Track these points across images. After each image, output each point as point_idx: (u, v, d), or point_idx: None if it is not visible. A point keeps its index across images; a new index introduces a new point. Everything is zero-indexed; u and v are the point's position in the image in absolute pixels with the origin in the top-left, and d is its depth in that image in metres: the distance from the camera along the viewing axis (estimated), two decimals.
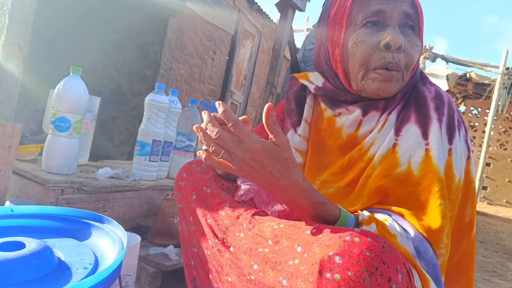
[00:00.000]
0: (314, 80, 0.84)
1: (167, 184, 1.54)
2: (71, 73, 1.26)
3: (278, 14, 3.17)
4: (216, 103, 0.58)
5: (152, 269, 1.14)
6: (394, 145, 0.69)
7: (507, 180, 8.27)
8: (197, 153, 0.59)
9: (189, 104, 1.72)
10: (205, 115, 0.58)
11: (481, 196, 8.14)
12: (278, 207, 0.72)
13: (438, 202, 0.62)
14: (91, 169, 1.47)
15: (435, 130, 0.68)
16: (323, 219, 0.59)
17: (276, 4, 3.02)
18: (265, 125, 0.55)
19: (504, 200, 8.24)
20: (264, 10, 5.27)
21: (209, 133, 0.56)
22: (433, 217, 0.61)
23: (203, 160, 0.57)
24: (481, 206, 7.19)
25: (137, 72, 3.65)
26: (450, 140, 0.69)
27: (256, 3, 5.01)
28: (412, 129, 0.69)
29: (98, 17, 3.51)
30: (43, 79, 2.24)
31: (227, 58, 4.90)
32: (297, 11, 3.12)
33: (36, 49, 2.89)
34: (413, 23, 0.72)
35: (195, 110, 1.73)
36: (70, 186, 1.19)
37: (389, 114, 0.73)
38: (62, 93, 1.23)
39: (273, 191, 0.58)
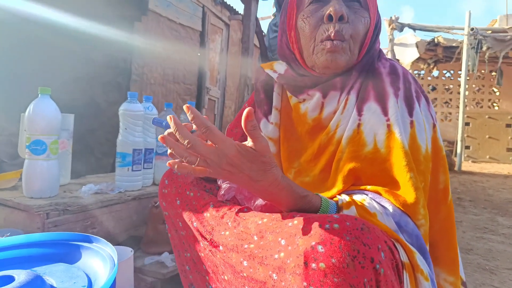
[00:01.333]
0: (277, 68, 0.86)
1: (154, 191, 1.54)
2: (39, 95, 1.24)
3: (243, 6, 3.16)
4: (184, 107, 0.54)
5: (150, 279, 1.15)
6: (359, 125, 0.71)
7: (487, 136, 8.51)
8: (167, 163, 0.56)
9: (165, 108, 1.71)
10: (171, 121, 0.55)
11: (465, 155, 8.35)
12: (260, 201, 0.73)
13: (409, 175, 0.64)
14: (74, 187, 1.45)
15: (393, 105, 0.70)
16: (305, 211, 0.61)
17: None
18: (244, 130, 0.55)
19: (487, 156, 8.49)
20: (228, 3, 5.22)
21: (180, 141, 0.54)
22: (407, 191, 0.63)
23: (176, 170, 0.56)
24: (466, 165, 7.38)
25: (109, 82, 3.59)
26: (410, 112, 0.71)
27: None
28: (372, 107, 0.71)
29: (63, 30, 3.42)
30: (12, 101, 2.18)
31: (199, 55, 4.85)
32: (260, 1, 3.11)
33: (1, 70, 2.80)
34: None
35: (172, 113, 1.72)
36: (55, 208, 1.18)
37: (348, 93, 0.75)
38: (33, 116, 1.21)
39: (253, 191, 0.59)
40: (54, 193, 1.27)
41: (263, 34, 3.06)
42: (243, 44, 3.15)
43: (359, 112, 0.72)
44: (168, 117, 0.55)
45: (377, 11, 0.78)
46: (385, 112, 0.70)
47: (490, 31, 6.72)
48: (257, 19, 3.20)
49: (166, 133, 0.56)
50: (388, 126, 0.68)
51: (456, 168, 6.37)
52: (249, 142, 0.55)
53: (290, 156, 0.80)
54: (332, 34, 0.70)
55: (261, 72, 0.90)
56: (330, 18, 0.71)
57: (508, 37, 6.46)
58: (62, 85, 3.37)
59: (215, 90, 5.36)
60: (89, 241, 0.76)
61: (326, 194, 0.68)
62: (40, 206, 1.15)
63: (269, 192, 0.58)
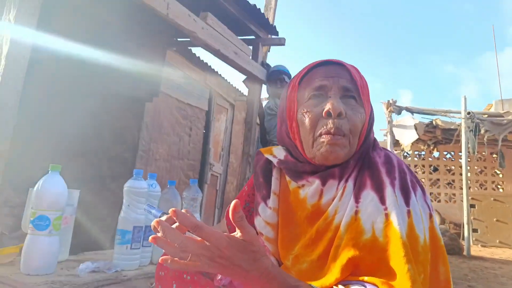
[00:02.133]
0: (277, 154, 0.90)
1: (151, 271, 1.52)
2: (49, 171, 1.30)
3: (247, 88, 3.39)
4: (170, 211, 0.58)
5: None
6: (356, 212, 0.72)
7: (495, 219, 8.25)
8: (160, 260, 0.59)
9: (168, 186, 1.76)
10: (158, 226, 0.57)
11: (474, 239, 8.03)
12: None
13: (407, 267, 0.63)
14: (72, 264, 1.44)
15: (390, 194, 0.71)
16: None
17: (243, 81, 3.24)
18: (232, 222, 0.57)
19: (497, 241, 8.12)
20: (234, 86, 5.58)
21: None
22: (404, 284, 0.62)
23: (169, 266, 0.58)
24: (476, 250, 7.05)
25: (116, 156, 3.70)
26: (407, 201, 0.72)
27: (226, 80, 5.32)
28: (370, 195, 0.73)
29: (76, 107, 3.63)
30: (20, 174, 2.25)
31: (204, 132, 5.05)
32: (264, 85, 3.35)
33: (13, 144, 2.92)
34: (353, 94, 0.80)
35: (175, 191, 1.76)
36: (51, 287, 1.16)
37: (346, 181, 0.77)
38: (41, 192, 1.26)
39: (244, 282, 0.60)
40: (51, 270, 1.26)
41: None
42: (246, 124, 3.31)
43: (357, 199, 0.73)
44: (154, 222, 0.58)
45: (370, 104, 0.84)
46: (382, 201, 0.71)
47: (486, 115, 6.97)
48: (260, 101, 3.40)
49: (162, 231, 0.58)
50: (386, 215, 0.69)
51: (465, 253, 6.07)
52: (237, 233, 0.58)
53: (288, 242, 0.80)
54: (332, 130, 0.76)
55: (260, 157, 0.94)
56: (329, 114, 0.77)
57: (505, 121, 6.68)
58: (72, 158, 3.48)
59: (218, 166, 5.46)
60: None
61: (323, 282, 0.67)
62: (36, 284, 1.14)
63: (260, 282, 0.59)
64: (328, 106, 0.77)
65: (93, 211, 3.54)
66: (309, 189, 0.80)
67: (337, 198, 0.76)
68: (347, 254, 0.68)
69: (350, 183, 0.77)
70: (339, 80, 0.80)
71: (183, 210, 0.64)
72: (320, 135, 0.77)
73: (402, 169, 0.77)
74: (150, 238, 0.58)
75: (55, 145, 3.44)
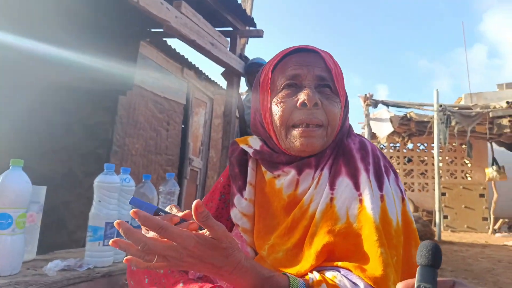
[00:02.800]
0: (253, 144, 0.87)
1: (126, 268, 1.46)
2: (11, 166, 1.22)
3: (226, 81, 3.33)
4: (115, 224, 0.54)
5: None
6: (331, 199, 0.72)
7: (463, 206, 8.69)
8: (124, 260, 0.56)
9: (143, 180, 1.70)
10: (120, 228, 0.54)
11: (444, 225, 8.39)
12: None
13: (379, 251, 0.63)
14: (40, 264, 1.36)
15: (364, 180, 0.72)
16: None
17: (221, 74, 3.19)
18: (197, 222, 0.56)
19: (465, 226, 8.59)
20: (213, 79, 5.50)
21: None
22: (376, 267, 0.63)
23: (133, 266, 0.56)
24: (446, 235, 7.39)
25: (89, 153, 3.58)
26: (380, 186, 0.72)
27: (204, 73, 5.24)
28: (344, 182, 0.73)
29: (45, 102, 3.48)
30: None
31: (182, 126, 4.96)
32: (242, 77, 3.30)
33: None
34: (328, 83, 0.77)
35: (150, 185, 1.70)
36: None
37: (321, 170, 0.76)
38: (1, 188, 1.17)
39: (218, 277, 0.59)
40: (15, 270, 1.19)
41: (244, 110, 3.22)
42: (225, 117, 3.26)
43: (332, 187, 0.73)
44: (115, 223, 0.54)
45: (345, 91, 0.82)
46: (357, 187, 0.71)
47: (457, 108, 7.21)
48: (239, 94, 3.36)
49: (124, 234, 0.54)
50: (360, 200, 0.70)
51: (436, 238, 6.40)
52: (206, 232, 0.56)
53: (264, 233, 0.79)
54: (307, 121, 0.73)
55: (236, 147, 0.90)
56: (304, 104, 0.74)
57: (473, 113, 6.93)
58: (41, 156, 3.34)
59: (198, 161, 5.39)
60: None
61: (299, 269, 0.66)
62: None
63: (233, 276, 0.58)
64: (303, 97, 0.74)
65: (65, 209, 3.43)
66: (285, 179, 0.78)
67: (312, 187, 0.75)
68: (322, 241, 0.68)
69: (326, 171, 0.76)
70: (314, 69, 0.77)
71: (169, 206, 0.64)
72: (295, 126, 0.75)
73: (376, 154, 0.77)
74: (110, 242, 0.54)
75: (23, 142, 3.29)
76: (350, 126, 0.85)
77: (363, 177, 0.72)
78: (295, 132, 0.75)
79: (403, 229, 0.72)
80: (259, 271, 0.59)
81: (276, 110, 0.77)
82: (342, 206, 0.70)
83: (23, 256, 1.24)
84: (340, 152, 0.77)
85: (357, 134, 0.84)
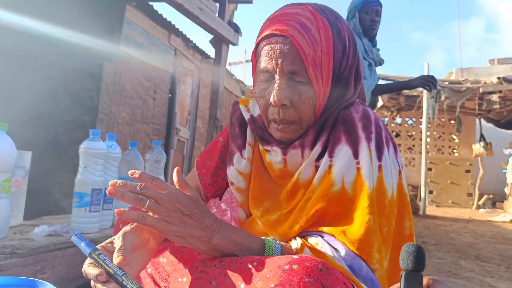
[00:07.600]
0: (252, 108, 0.87)
1: (112, 235, 1.47)
2: None
3: (214, 50, 3.26)
4: (129, 172, 0.65)
5: None
6: (330, 166, 0.72)
7: (449, 181, 8.87)
8: (115, 211, 0.63)
9: (130, 147, 1.68)
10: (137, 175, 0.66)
11: (429, 200, 8.60)
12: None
13: (367, 218, 0.64)
14: (26, 229, 1.36)
15: (364, 149, 0.71)
16: (250, 250, 0.64)
17: (210, 41, 3.11)
18: (177, 185, 0.67)
19: (450, 201, 8.79)
20: (200, 47, 5.38)
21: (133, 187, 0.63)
22: (355, 231, 0.64)
23: (125, 217, 0.61)
24: (431, 210, 7.56)
25: (74, 120, 3.51)
26: (379, 156, 0.72)
27: (192, 41, 5.10)
28: (344, 149, 0.72)
29: (29, 68, 3.37)
30: None
31: (169, 96, 4.88)
32: (231, 46, 3.23)
33: None
34: (299, 79, 0.72)
35: (137, 152, 1.69)
36: (1, 251, 1.09)
37: (311, 149, 0.75)
38: None
39: (198, 243, 0.63)
40: (2, 234, 1.19)
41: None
42: (212, 86, 3.21)
43: (331, 154, 0.73)
44: (129, 172, 0.66)
45: (329, 68, 0.73)
46: (356, 154, 0.71)
47: (447, 82, 7.24)
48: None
49: (121, 183, 0.64)
50: (358, 169, 0.70)
51: (420, 212, 6.53)
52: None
53: (260, 194, 0.80)
54: (279, 120, 0.74)
55: (237, 107, 0.90)
56: (272, 104, 0.73)
57: (463, 88, 6.98)
58: (25, 122, 3.26)
59: (185, 131, 5.35)
60: (34, 286, 0.70)
61: (287, 230, 0.70)
62: None
63: (214, 228, 0.64)
64: (271, 97, 0.72)
65: (51, 176, 3.40)
66: (274, 156, 0.79)
67: (305, 162, 0.75)
68: (315, 205, 0.69)
69: (318, 147, 0.75)
70: (283, 63, 0.71)
71: (106, 242, 0.71)
72: (269, 121, 0.76)
73: (379, 124, 0.77)
74: (107, 190, 0.62)
75: (6, 109, 3.20)
76: (352, 95, 0.78)
77: (363, 145, 0.71)
78: (272, 125, 0.76)
79: (398, 201, 0.72)
80: (236, 229, 0.66)
81: (258, 103, 0.78)
82: (339, 173, 0.70)
83: (9, 220, 1.23)
84: (339, 120, 0.76)
85: (361, 103, 0.81)
